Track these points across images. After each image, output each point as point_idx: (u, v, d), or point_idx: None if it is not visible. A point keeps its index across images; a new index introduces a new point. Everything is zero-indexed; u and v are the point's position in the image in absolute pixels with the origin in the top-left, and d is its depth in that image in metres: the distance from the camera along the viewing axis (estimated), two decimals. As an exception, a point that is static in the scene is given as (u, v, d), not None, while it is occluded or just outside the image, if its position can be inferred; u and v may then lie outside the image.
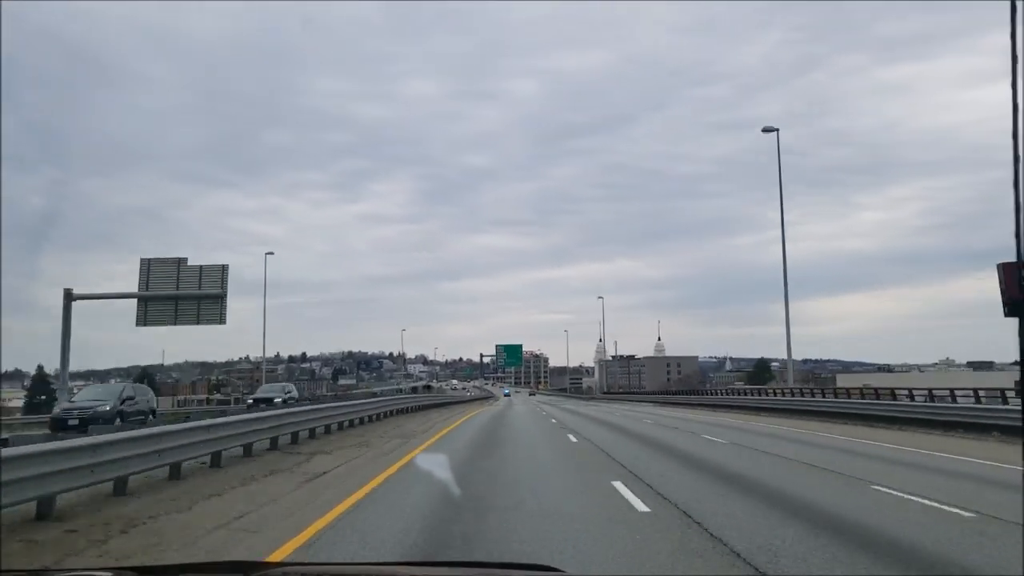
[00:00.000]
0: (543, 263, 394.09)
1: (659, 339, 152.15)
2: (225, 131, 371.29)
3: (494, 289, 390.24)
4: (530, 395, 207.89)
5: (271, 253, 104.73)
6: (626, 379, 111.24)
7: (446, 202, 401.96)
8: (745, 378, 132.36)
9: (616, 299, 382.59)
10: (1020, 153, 1.63)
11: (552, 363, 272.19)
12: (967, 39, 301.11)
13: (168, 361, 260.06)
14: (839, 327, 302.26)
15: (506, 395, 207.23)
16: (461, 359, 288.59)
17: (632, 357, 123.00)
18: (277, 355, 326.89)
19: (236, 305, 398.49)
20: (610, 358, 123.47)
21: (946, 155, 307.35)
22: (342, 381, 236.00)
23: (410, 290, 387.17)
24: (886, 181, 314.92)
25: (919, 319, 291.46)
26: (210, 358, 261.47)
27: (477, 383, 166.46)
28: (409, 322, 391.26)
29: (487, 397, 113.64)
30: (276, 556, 6.72)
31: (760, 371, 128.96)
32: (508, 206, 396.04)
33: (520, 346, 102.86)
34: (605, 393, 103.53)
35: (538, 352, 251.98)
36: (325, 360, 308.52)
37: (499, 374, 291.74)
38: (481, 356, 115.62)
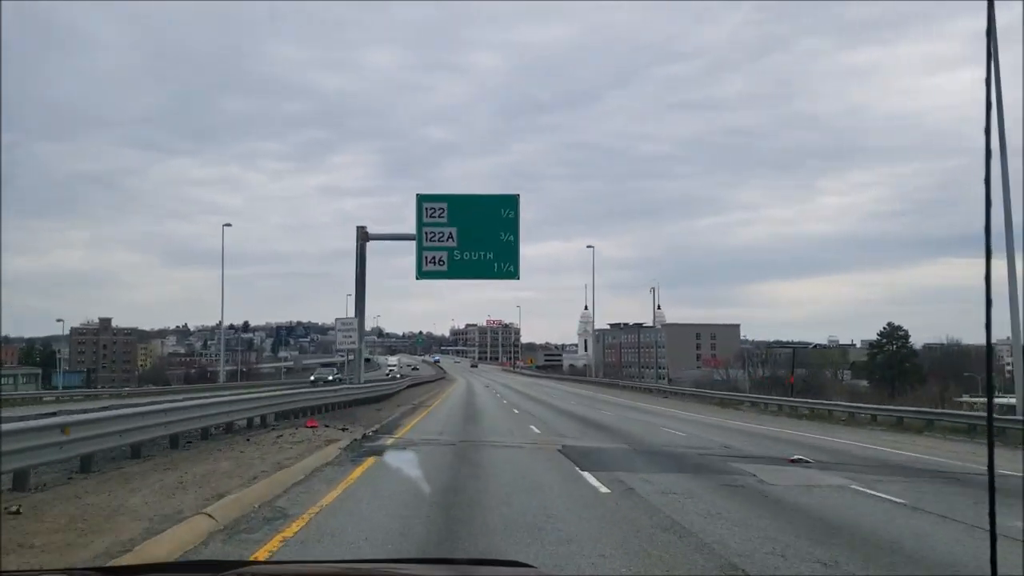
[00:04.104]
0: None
1: (658, 307, 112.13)
2: (179, 97, 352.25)
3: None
4: (472, 367, 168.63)
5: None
6: (634, 355, 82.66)
7: (407, 176, 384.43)
8: (867, 365, 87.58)
9: (579, 279, 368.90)
10: (992, 147, 1.66)
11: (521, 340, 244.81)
12: (931, 25, 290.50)
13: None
14: (801, 310, 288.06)
15: (435, 361, 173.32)
16: (420, 332, 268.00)
17: (640, 325, 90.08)
18: (219, 323, 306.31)
19: (190, 275, 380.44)
20: (607, 326, 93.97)
21: (908, 141, 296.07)
22: (282, 352, 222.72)
23: (370, 264, 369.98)
24: (849, 166, 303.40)
25: (885, 303, 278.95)
26: (147, 326, 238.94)
27: (395, 359, 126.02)
28: (368, 296, 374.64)
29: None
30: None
31: (893, 348, 79.55)
32: (471, 181, 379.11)
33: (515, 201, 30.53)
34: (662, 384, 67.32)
35: (508, 322, 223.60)
36: (270, 331, 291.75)
37: (459, 346, 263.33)
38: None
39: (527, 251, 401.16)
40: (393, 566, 2.96)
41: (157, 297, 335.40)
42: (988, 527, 1.71)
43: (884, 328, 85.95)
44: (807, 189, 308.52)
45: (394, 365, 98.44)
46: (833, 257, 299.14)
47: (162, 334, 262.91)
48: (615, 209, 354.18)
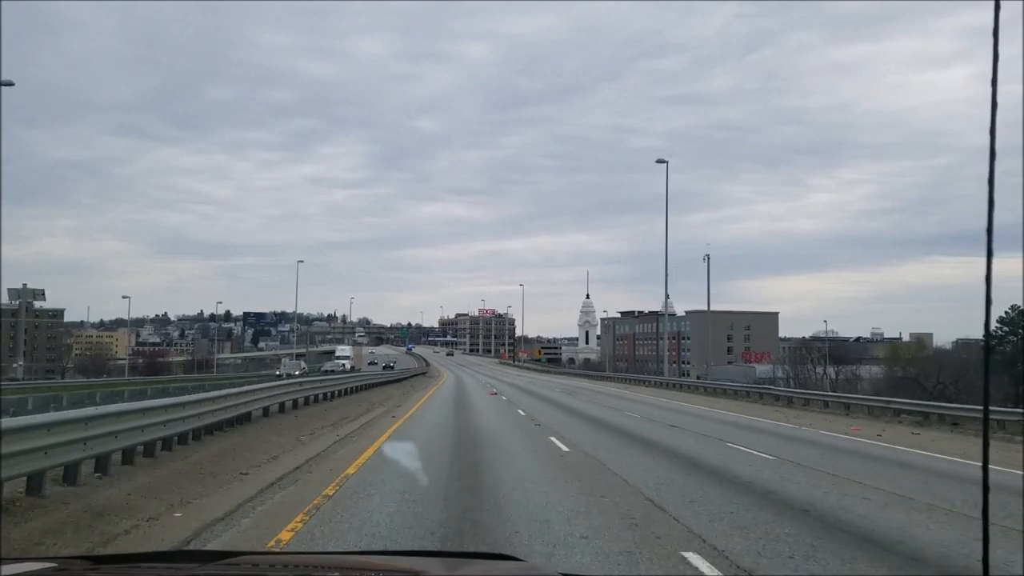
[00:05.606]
0: (496, 233, 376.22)
1: (667, 296, 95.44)
2: (164, 84, 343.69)
3: (446, 258, 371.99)
4: (447, 355, 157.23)
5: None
6: (651, 348, 70.93)
7: (398, 167, 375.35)
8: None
9: (569, 273, 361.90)
10: (996, 149, 1.70)
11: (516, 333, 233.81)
12: (922, 21, 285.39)
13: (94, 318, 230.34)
14: (790, 306, 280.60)
15: (408, 350, 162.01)
16: (410, 324, 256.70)
17: (656, 314, 77.99)
18: (200, 313, 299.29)
19: (179, 265, 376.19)
20: (618, 315, 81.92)
21: (897, 139, 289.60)
22: (262, 343, 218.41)
23: (361, 256, 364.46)
24: (838, 163, 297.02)
25: (873, 302, 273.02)
26: (139, 313, 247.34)
27: (349, 350, 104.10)
28: (359, 288, 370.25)
29: None
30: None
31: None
32: (460, 174, 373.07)
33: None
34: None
35: (503, 312, 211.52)
36: (251, 321, 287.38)
37: (448, 337, 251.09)
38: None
39: (514, 245, 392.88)
40: (386, 558, 2.98)
41: (149, 285, 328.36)
42: (990, 527, 1.78)
43: (1005, 313, 62.36)
44: (798, 185, 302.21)
45: (347, 358, 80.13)
46: (823, 253, 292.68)
47: (140, 323, 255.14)
48: (608, 202, 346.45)
